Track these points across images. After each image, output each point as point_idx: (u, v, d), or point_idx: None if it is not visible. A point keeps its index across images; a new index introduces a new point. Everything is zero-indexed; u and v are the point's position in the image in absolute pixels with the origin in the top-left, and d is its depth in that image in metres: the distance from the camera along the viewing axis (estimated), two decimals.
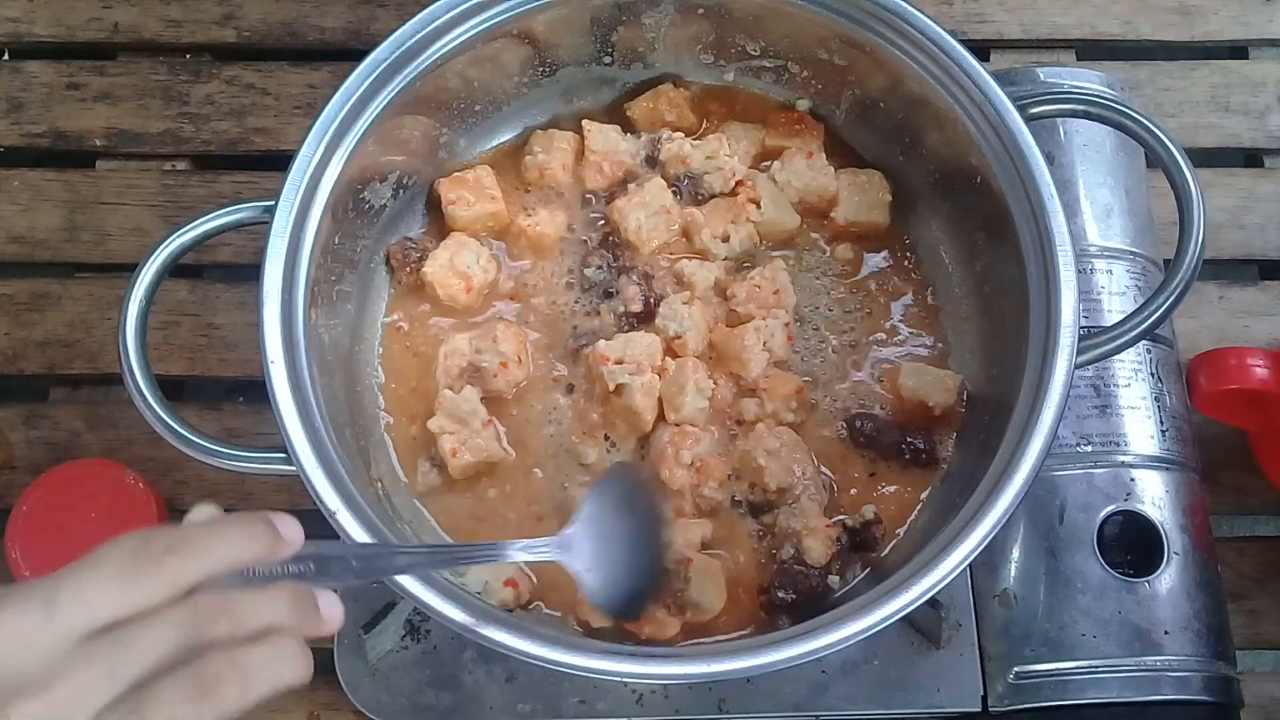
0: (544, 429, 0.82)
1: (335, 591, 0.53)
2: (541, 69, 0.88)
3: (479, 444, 0.79)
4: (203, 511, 0.52)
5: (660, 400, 0.80)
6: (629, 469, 0.77)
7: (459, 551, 0.64)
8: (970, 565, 0.67)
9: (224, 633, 0.47)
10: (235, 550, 0.49)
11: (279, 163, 0.76)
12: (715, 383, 0.82)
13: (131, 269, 0.72)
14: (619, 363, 0.79)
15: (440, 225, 0.87)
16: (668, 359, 0.81)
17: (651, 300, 0.83)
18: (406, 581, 0.65)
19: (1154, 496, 0.82)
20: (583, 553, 0.66)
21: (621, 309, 0.84)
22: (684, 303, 0.83)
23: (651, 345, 0.81)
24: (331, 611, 0.52)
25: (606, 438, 0.82)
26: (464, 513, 0.80)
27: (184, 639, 0.46)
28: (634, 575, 0.67)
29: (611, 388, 0.79)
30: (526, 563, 0.64)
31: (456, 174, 0.87)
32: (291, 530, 0.51)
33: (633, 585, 0.67)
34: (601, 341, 0.81)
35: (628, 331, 0.82)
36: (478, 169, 0.87)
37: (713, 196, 0.89)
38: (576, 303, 0.85)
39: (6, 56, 1.06)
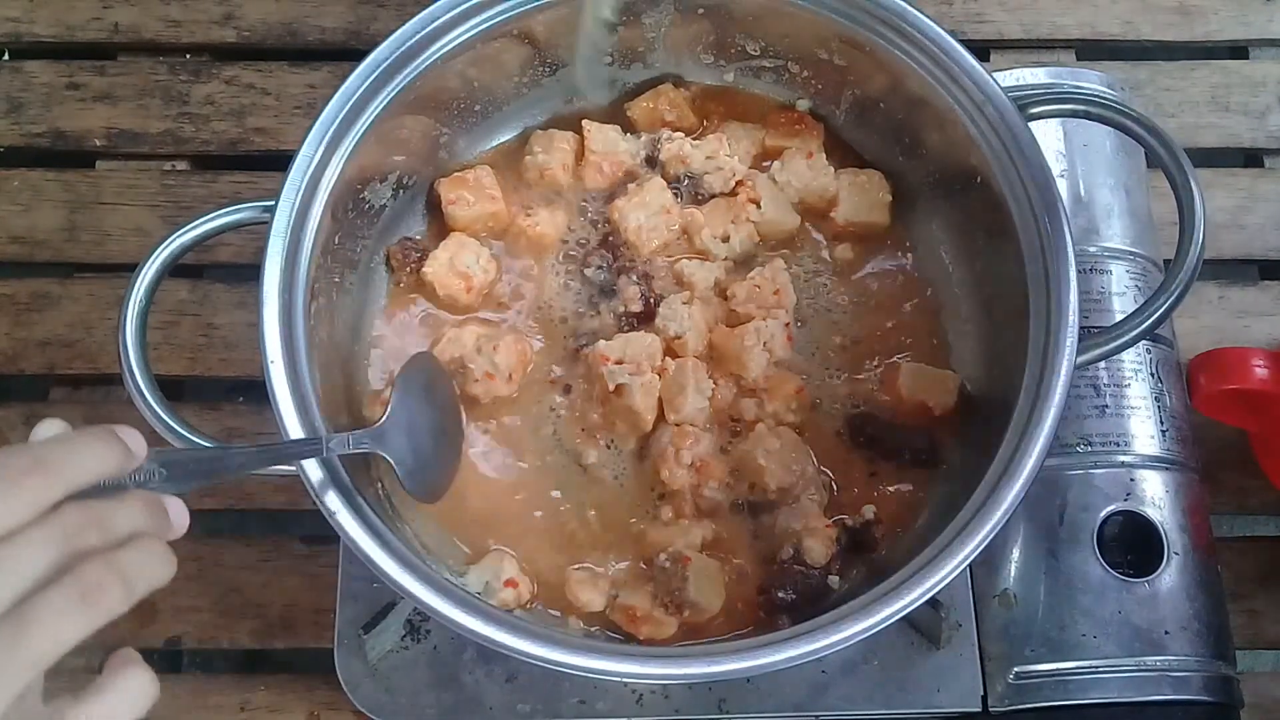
0: (542, 429, 0.82)
1: (181, 497, 0.54)
2: (541, 69, 0.88)
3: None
4: (50, 426, 0.52)
5: (660, 400, 0.80)
6: (427, 359, 0.78)
7: (287, 448, 0.66)
8: (970, 565, 0.67)
9: (95, 542, 0.47)
10: (93, 465, 0.49)
11: (279, 163, 0.76)
12: (715, 383, 0.82)
13: (131, 269, 0.72)
14: (619, 363, 0.79)
15: (440, 225, 0.87)
16: (668, 359, 0.81)
17: (652, 300, 0.83)
18: (406, 581, 0.65)
19: (1154, 496, 0.82)
20: (396, 444, 0.70)
21: (621, 309, 0.84)
22: (684, 303, 0.83)
23: (651, 345, 0.81)
24: (180, 516, 0.53)
25: (610, 444, 0.82)
26: (468, 516, 0.80)
27: (56, 554, 0.46)
28: (438, 458, 0.75)
29: (612, 388, 0.79)
30: (343, 455, 0.68)
31: (456, 174, 0.87)
32: (137, 442, 0.52)
33: (438, 468, 0.75)
34: (601, 342, 0.81)
35: (628, 331, 0.82)
36: (477, 169, 0.87)
37: (713, 196, 0.89)
38: (575, 303, 0.85)
39: (6, 56, 1.06)
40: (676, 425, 0.80)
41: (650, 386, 0.80)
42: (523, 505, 0.80)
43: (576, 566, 0.78)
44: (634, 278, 0.85)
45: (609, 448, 0.82)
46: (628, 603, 0.75)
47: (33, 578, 0.45)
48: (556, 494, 0.81)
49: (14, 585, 0.45)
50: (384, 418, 0.70)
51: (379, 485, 0.78)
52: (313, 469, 0.67)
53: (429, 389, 0.76)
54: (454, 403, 0.79)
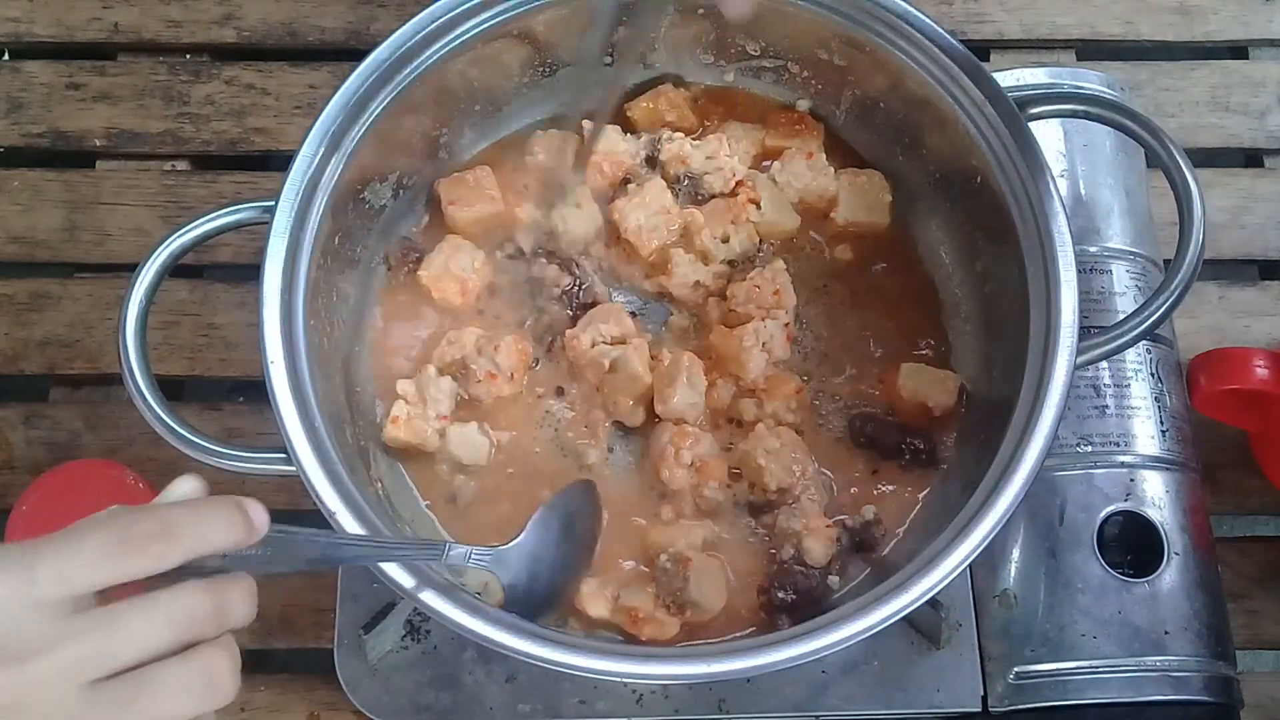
0: (541, 433, 0.82)
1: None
2: (541, 69, 0.88)
3: (419, 427, 0.79)
4: (185, 485, 0.53)
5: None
6: (584, 491, 0.77)
7: (402, 547, 0.66)
8: (970, 565, 0.67)
9: (209, 630, 0.49)
10: (215, 539, 0.50)
11: (279, 163, 0.76)
12: (714, 383, 0.82)
13: (131, 269, 0.72)
14: (596, 344, 0.80)
15: (439, 224, 0.87)
16: (664, 350, 0.81)
17: (576, 273, 0.83)
18: (406, 581, 0.65)
19: (1154, 496, 0.82)
20: (514, 568, 0.70)
21: (557, 290, 0.83)
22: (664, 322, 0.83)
23: (612, 311, 0.81)
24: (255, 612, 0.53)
25: (610, 449, 0.82)
26: (469, 519, 0.80)
27: (174, 636, 0.47)
28: (552, 591, 0.73)
29: (606, 366, 0.79)
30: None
31: (456, 175, 0.87)
32: (261, 517, 0.52)
33: (547, 599, 0.73)
34: (568, 331, 0.81)
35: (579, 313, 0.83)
36: (477, 169, 0.87)
37: (713, 197, 0.89)
38: (524, 305, 0.85)
39: (6, 56, 1.06)
40: (676, 424, 0.80)
41: (640, 348, 0.80)
42: (523, 507, 0.80)
43: (587, 575, 0.77)
44: (557, 263, 0.84)
45: (610, 451, 0.82)
46: (629, 604, 0.75)
47: (152, 651, 0.47)
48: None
49: (131, 654, 0.46)
50: (515, 541, 0.70)
51: (379, 485, 0.78)
52: (313, 469, 0.67)
53: (572, 522, 0.75)
54: (592, 539, 0.77)
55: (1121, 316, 0.75)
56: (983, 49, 1.06)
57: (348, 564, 0.61)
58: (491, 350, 0.80)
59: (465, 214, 0.86)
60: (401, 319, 0.85)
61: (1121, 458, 0.83)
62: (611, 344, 0.80)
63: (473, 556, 0.67)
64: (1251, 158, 1.04)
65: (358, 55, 0.77)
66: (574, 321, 0.83)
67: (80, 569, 0.46)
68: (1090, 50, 1.07)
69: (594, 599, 0.76)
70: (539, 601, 0.71)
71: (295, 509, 0.91)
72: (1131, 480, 0.82)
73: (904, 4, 0.80)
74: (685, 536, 0.77)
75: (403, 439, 0.79)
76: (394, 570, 0.65)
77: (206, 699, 0.48)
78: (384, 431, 0.80)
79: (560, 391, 0.83)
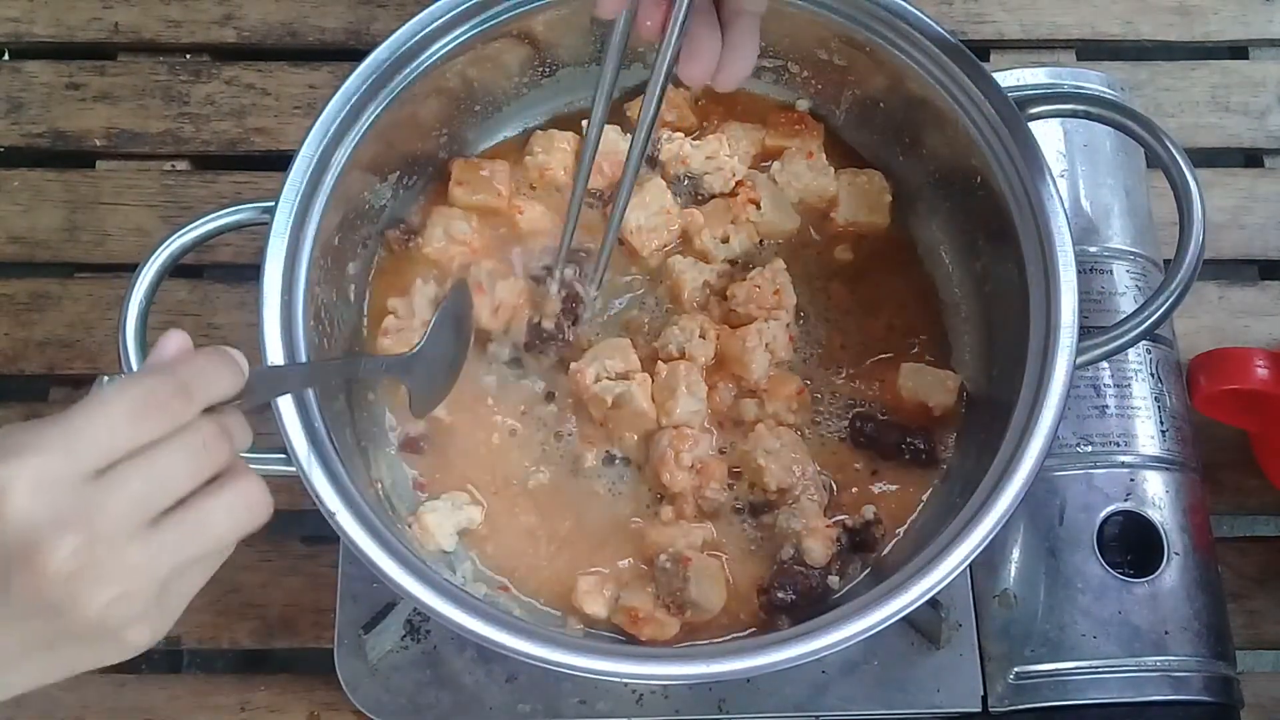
0: (536, 435, 0.82)
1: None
2: (541, 69, 0.88)
3: (409, 338, 0.80)
4: (174, 340, 0.56)
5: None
6: (463, 291, 0.80)
7: (328, 366, 0.76)
8: (970, 565, 0.67)
9: (227, 457, 0.53)
10: (221, 388, 0.54)
11: (279, 163, 0.76)
12: (715, 385, 0.82)
13: (131, 269, 0.72)
14: (600, 379, 0.79)
15: (433, 205, 0.87)
16: (660, 364, 0.81)
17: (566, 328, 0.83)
18: (406, 581, 0.65)
19: (1154, 496, 0.82)
20: (419, 374, 0.74)
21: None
22: (676, 326, 0.82)
23: (619, 345, 0.81)
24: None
25: (609, 451, 0.82)
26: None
27: (199, 466, 0.51)
28: (443, 387, 0.78)
29: (609, 402, 0.79)
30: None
31: (474, 159, 0.88)
32: (244, 361, 0.56)
33: (437, 394, 0.78)
34: (572, 365, 0.81)
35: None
36: (495, 162, 0.88)
37: (713, 197, 0.89)
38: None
39: (6, 56, 1.06)
40: (675, 428, 0.80)
41: (644, 384, 0.80)
42: (523, 508, 0.80)
43: (584, 573, 0.78)
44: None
45: (608, 453, 0.82)
46: (629, 604, 0.75)
47: (187, 484, 0.51)
48: (555, 495, 0.81)
49: (173, 488, 0.50)
50: (418, 347, 0.73)
51: (379, 485, 0.78)
52: (313, 469, 0.67)
53: (459, 321, 0.78)
54: (469, 335, 0.81)
55: (1121, 316, 0.75)
56: (983, 49, 1.06)
57: (295, 390, 0.69)
58: (500, 279, 0.82)
59: (467, 198, 0.86)
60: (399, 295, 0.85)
61: (1121, 458, 0.83)
62: (615, 379, 0.80)
63: (386, 365, 0.74)
64: (1251, 158, 1.04)
65: (358, 55, 0.77)
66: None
67: (115, 434, 0.49)
68: (1090, 50, 1.07)
69: (592, 597, 0.76)
70: (433, 397, 0.77)
71: (295, 509, 0.91)
72: (1131, 480, 0.82)
73: (904, 4, 0.80)
74: (685, 537, 0.77)
75: (392, 348, 0.80)
76: (394, 570, 0.65)
77: (249, 518, 0.53)
78: (377, 342, 0.81)
79: (551, 396, 0.83)
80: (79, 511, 0.47)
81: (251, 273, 0.72)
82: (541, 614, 0.77)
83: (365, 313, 0.85)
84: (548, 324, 0.82)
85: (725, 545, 0.79)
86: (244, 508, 0.53)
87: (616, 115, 0.91)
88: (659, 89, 0.69)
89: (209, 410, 0.53)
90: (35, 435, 0.48)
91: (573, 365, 0.81)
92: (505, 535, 0.80)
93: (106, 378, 0.54)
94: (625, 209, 0.79)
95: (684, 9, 0.64)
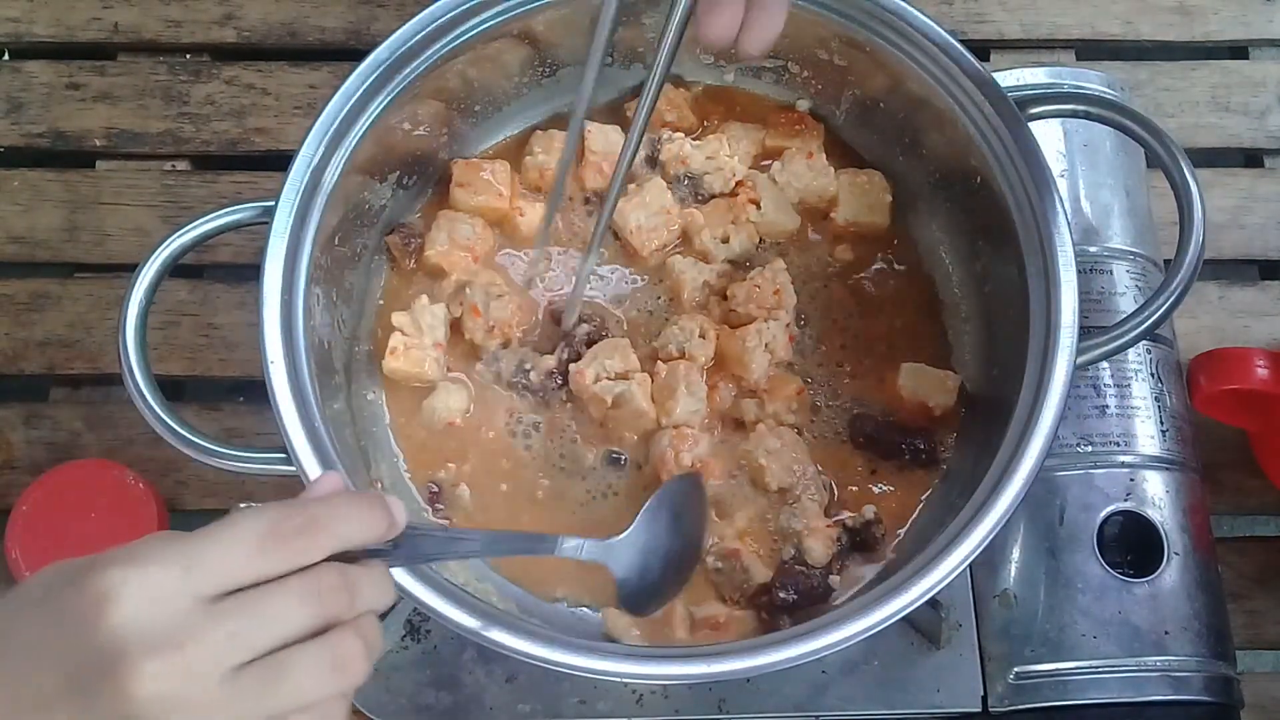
0: (531, 436, 0.82)
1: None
2: (541, 69, 0.88)
3: (417, 356, 0.80)
4: (327, 483, 0.54)
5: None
6: (689, 483, 0.77)
7: (515, 541, 0.68)
8: (970, 565, 0.67)
9: (342, 610, 0.49)
10: (357, 534, 0.51)
11: (279, 163, 0.76)
12: (716, 385, 0.82)
13: (131, 269, 0.72)
14: (599, 380, 0.79)
15: (436, 208, 0.87)
16: (659, 363, 0.81)
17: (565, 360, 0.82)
18: (406, 581, 0.65)
19: (1154, 496, 0.82)
20: (625, 561, 0.69)
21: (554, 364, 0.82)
22: (676, 325, 0.82)
23: (618, 345, 0.81)
24: (393, 599, 0.54)
25: (615, 458, 0.82)
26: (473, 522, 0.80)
27: (310, 615, 0.48)
28: (662, 583, 0.72)
29: (609, 402, 0.79)
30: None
31: (474, 160, 0.88)
32: (401, 516, 0.53)
33: (658, 591, 0.72)
34: (572, 366, 0.81)
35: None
36: (496, 162, 0.87)
37: (713, 197, 0.89)
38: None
39: (6, 56, 1.06)
40: (675, 428, 0.80)
41: (644, 383, 0.80)
42: (521, 509, 0.81)
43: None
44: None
45: (610, 453, 0.82)
46: (707, 614, 0.76)
47: (289, 632, 0.48)
48: (553, 496, 0.81)
49: (271, 636, 0.48)
50: (625, 533, 0.70)
51: (379, 485, 0.78)
52: (313, 469, 0.67)
53: (680, 515, 0.74)
54: (699, 535, 0.77)
55: (1121, 316, 0.75)
56: (983, 49, 1.06)
57: (463, 558, 0.64)
58: (494, 298, 0.81)
59: (469, 199, 0.86)
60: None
61: (1121, 458, 0.83)
62: (615, 379, 0.80)
63: (585, 549, 0.66)
64: (1251, 158, 1.04)
65: (358, 55, 0.77)
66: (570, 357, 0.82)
67: (235, 563, 0.47)
68: (1090, 50, 1.07)
69: (680, 622, 0.76)
70: (651, 594, 0.71)
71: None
72: (1131, 480, 0.82)
73: (904, 4, 0.80)
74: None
75: (401, 369, 0.80)
76: (395, 571, 0.65)
77: (335, 680, 0.48)
78: (383, 363, 0.80)
79: (544, 402, 0.83)
80: (176, 636, 0.46)
81: (251, 273, 0.72)
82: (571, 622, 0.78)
83: (374, 327, 0.85)
84: (536, 378, 0.82)
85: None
86: (330, 665, 0.48)
87: (617, 115, 0.91)
88: (673, 34, 0.66)
89: (349, 559, 0.50)
90: (161, 548, 0.47)
91: (573, 366, 0.81)
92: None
93: (244, 505, 0.52)
94: (632, 160, 0.76)
95: None
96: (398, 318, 0.81)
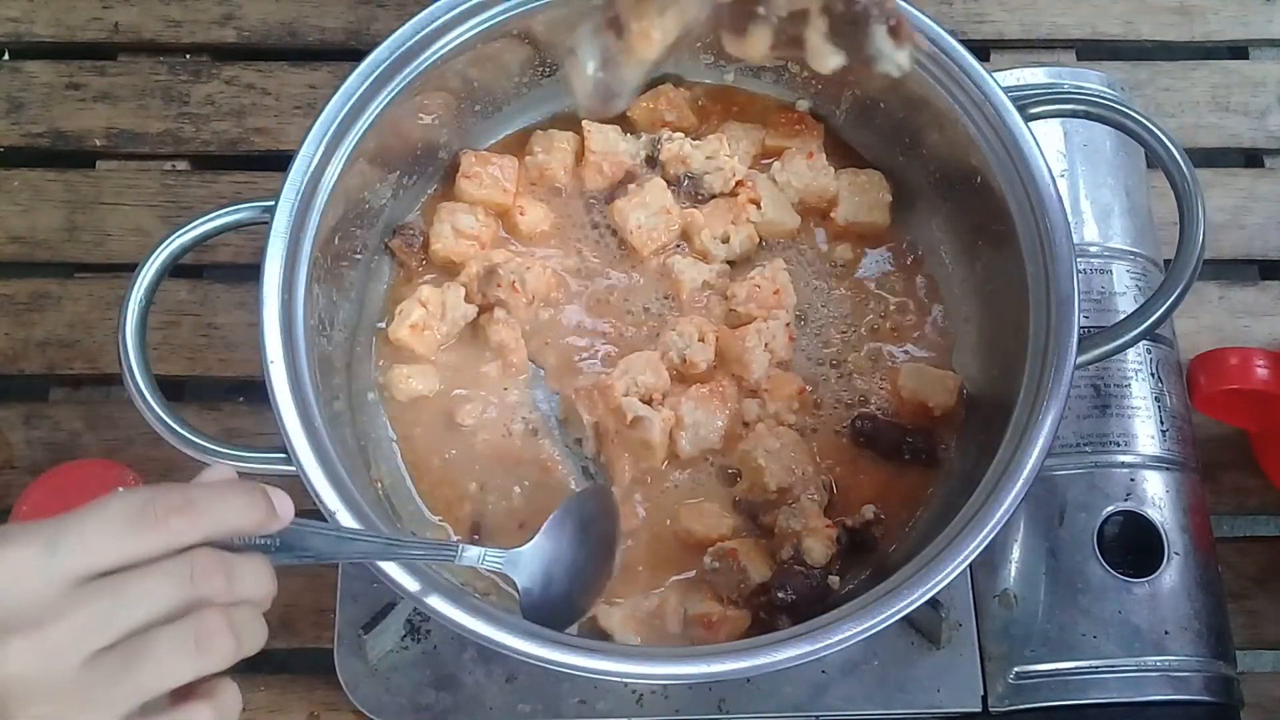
0: (528, 437, 0.82)
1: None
2: (541, 69, 0.88)
3: (429, 338, 0.81)
4: (217, 472, 0.53)
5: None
6: (599, 493, 0.77)
7: (414, 548, 0.65)
8: (970, 565, 0.67)
9: (217, 592, 0.48)
10: (235, 520, 0.50)
11: (279, 163, 0.76)
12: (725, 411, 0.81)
13: (131, 269, 0.72)
14: (627, 392, 0.79)
15: (435, 204, 0.87)
16: (684, 401, 0.80)
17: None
18: (406, 581, 0.65)
19: (1154, 496, 0.82)
20: (528, 571, 0.69)
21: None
22: (676, 330, 0.82)
23: (650, 361, 0.80)
24: (273, 593, 0.53)
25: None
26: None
27: (181, 594, 0.47)
28: (569, 596, 0.71)
29: (629, 419, 0.78)
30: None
31: (484, 153, 0.88)
32: (285, 507, 0.53)
33: (565, 604, 0.71)
34: (602, 375, 0.80)
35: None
36: (505, 158, 0.88)
37: (713, 197, 0.89)
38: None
39: (6, 56, 1.06)
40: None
41: (666, 422, 0.79)
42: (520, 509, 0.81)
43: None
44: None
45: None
46: (700, 612, 0.75)
47: (151, 611, 0.47)
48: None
49: (132, 614, 0.46)
50: (528, 543, 0.70)
51: (379, 485, 0.78)
52: (313, 469, 0.67)
53: (587, 526, 0.73)
54: (609, 547, 0.75)
55: (1121, 316, 0.75)
56: (983, 49, 1.06)
57: (355, 560, 0.62)
58: (523, 270, 0.81)
59: (474, 191, 0.86)
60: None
61: (1121, 458, 0.83)
62: (641, 400, 0.79)
63: (486, 558, 0.66)
64: (1251, 158, 1.04)
65: (358, 55, 0.77)
66: None
67: (101, 542, 0.47)
68: (1090, 50, 1.07)
69: (672, 615, 0.76)
70: (556, 607, 0.70)
71: (296, 509, 0.91)
72: (1131, 480, 0.82)
73: (904, 4, 0.79)
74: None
75: (405, 341, 0.81)
76: (395, 571, 0.65)
77: (198, 659, 0.47)
78: (391, 328, 0.81)
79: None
80: (36, 617, 0.45)
81: (251, 273, 0.72)
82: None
83: (375, 326, 0.85)
84: None
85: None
86: (193, 643, 0.47)
87: (616, 115, 0.91)
88: None
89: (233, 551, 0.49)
90: (26, 530, 0.46)
91: (602, 377, 0.80)
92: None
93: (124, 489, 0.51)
94: None
95: None
96: (425, 290, 0.81)
